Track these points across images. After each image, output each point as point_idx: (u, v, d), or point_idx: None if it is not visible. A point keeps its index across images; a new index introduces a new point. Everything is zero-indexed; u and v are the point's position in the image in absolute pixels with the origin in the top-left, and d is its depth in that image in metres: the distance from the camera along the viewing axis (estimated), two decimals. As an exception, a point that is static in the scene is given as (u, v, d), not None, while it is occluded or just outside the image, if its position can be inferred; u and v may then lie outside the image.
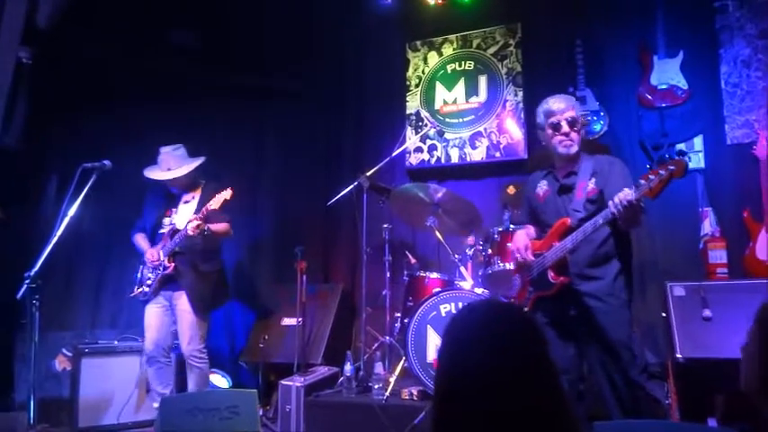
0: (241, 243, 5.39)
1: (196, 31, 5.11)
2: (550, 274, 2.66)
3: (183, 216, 3.88)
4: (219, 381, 4.36)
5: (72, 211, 3.17)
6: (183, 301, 3.79)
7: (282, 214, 5.41)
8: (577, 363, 2.69)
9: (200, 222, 3.67)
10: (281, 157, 5.49)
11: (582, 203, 2.65)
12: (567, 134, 2.70)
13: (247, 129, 5.47)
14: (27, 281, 2.91)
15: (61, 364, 4.26)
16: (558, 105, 2.72)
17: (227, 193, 3.65)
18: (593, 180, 2.69)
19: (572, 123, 2.70)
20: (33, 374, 2.96)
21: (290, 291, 4.48)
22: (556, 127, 2.72)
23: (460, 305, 3.56)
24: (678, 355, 3.36)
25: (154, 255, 3.82)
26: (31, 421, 2.80)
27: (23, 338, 4.01)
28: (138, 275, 3.93)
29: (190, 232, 3.67)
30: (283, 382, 3.86)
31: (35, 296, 2.93)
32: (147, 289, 3.83)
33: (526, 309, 2.74)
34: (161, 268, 3.80)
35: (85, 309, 4.63)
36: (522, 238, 2.82)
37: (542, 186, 2.88)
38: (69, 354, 4.16)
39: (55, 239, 3.08)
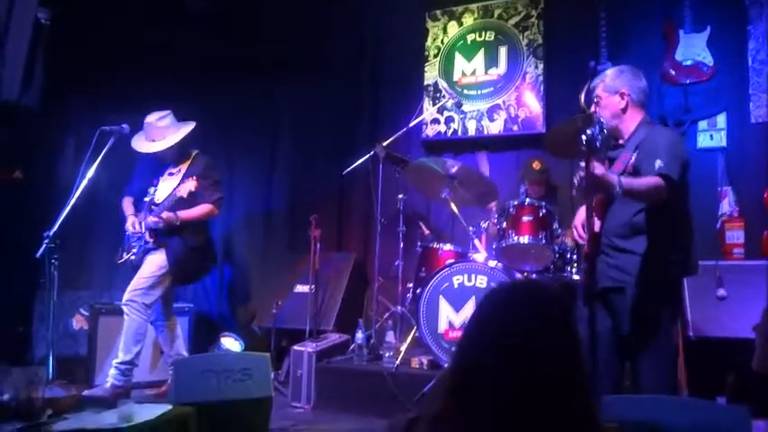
0: (256, 211, 5.44)
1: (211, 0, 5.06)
2: (587, 246, 2.59)
3: (164, 190, 3.82)
4: (232, 344, 4.43)
5: (90, 173, 3.20)
6: (159, 255, 3.73)
7: (298, 183, 5.43)
8: (607, 337, 2.59)
9: (157, 220, 3.64)
10: (298, 127, 5.48)
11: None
12: (594, 112, 2.70)
13: (264, 98, 5.46)
14: (46, 240, 2.96)
15: (78, 323, 4.35)
16: (592, 84, 2.74)
17: (191, 184, 3.57)
18: (636, 154, 2.60)
19: (596, 101, 2.72)
20: (52, 332, 3.03)
21: (304, 258, 4.51)
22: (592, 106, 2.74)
23: (474, 277, 3.62)
24: (690, 334, 3.37)
25: (135, 226, 3.79)
26: (50, 377, 2.87)
27: (42, 297, 4.11)
28: (125, 241, 3.92)
29: (152, 227, 3.68)
30: (295, 347, 3.92)
31: (53, 256, 2.98)
32: (132, 257, 3.82)
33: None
34: (143, 241, 3.78)
35: (102, 269, 4.69)
36: (582, 214, 2.70)
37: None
38: (86, 313, 4.25)
39: (73, 201, 3.12)
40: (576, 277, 3.55)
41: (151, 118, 3.83)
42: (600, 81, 2.71)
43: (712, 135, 4.19)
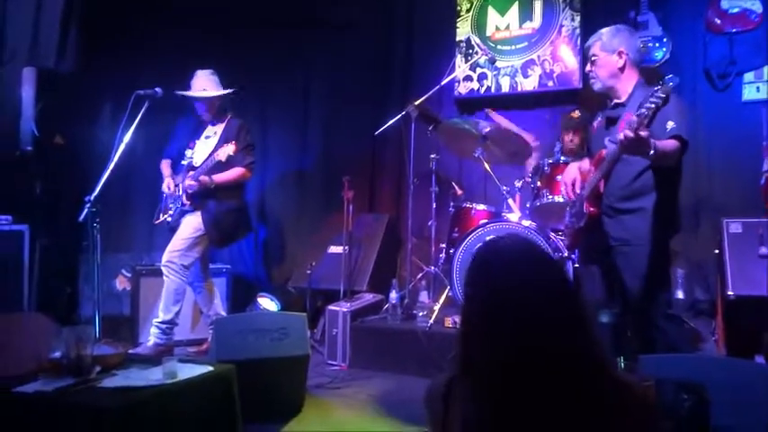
0: (290, 172, 5.47)
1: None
2: (585, 205, 2.65)
3: (201, 153, 3.87)
4: (269, 304, 4.53)
5: (127, 137, 3.25)
6: (195, 217, 3.79)
7: (330, 144, 5.43)
8: (608, 296, 2.68)
9: (194, 183, 3.69)
10: (329, 88, 5.45)
11: None
12: (589, 71, 2.72)
13: (296, 60, 5.43)
14: (88, 204, 3.03)
15: (121, 283, 4.50)
16: (587, 43, 2.75)
17: (230, 148, 3.60)
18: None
19: (592, 60, 2.70)
20: (97, 293, 3.14)
21: (338, 219, 4.54)
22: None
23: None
24: (730, 292, 3.31)
25: (171, 186, 3.86)
26: (97, 335, 2.99)
27: (86, 260, 4.25)
28: (161, 203, 3.99)
29: (189, 191, 3.73)
30: (330, 307, 3.98)
31: (96, 219, 3.05)
32: (169, 219, 3.90)
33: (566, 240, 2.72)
34: (179, 202, 3.85)
35: (142, 232, 4.81)
36: (572, 171, 2.78)
37: (598, 118, 2.86)
38: (128, 274, 4.39)
39: (112, 165, 3.17)
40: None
41: (203, 71, 3.91)
42: (597, 40, 2.69)
43: (759, 87, 4.02)
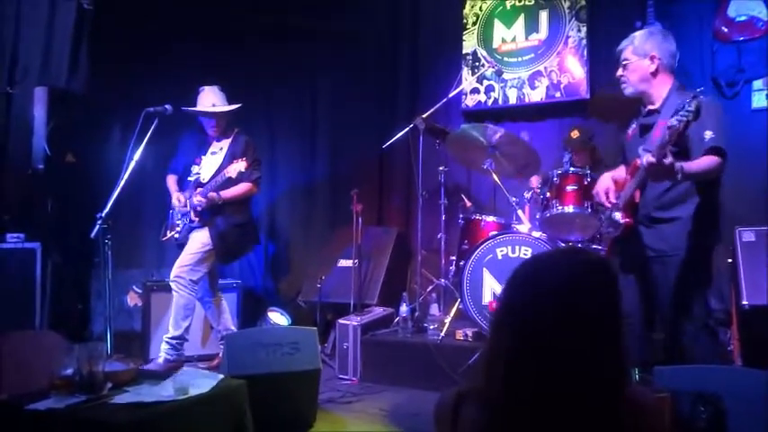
0: (298, 186, 5.49)
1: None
2: (621, 215, 2.58)
3: (208, 168, 3.89)
4: (279, 318, 4.52)
5: (137, 154, 3.27)
6: (203, 232, 3.81)
7: (338, 157, 5.44)
8: (643, 307, 2.58)
9: (202, 200, 3.72)
10: (337, 100, 5.47)
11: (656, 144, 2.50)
12: (620, 76, 2.64)
13: (303, 72, 5.46)
14: (99, 221, 3.05)
15: (132, 300, 4.51)
16: (619, 47, 2.66)
17: (241, 165, 3.62)
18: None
19: (623, 64, 2.62)
20: (109, 310, 3.15)
21: (347, 233, 4.55)
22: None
23: (518, 248, 3.58)
24: (744, 302, 3.27)
25: (181, 200, 3.87)
26: (109, 352, 3.00)
27: (98, 276, 4.27)
28: (168, 220, 4.00)
29: (198, 208, 3.75)
30: (341, 321, 3.97)
31: (107, 236, 3.08)
32: (177, 235, 3.91)
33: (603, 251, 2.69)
34: (188, 218, 3.86)
35: (152, 248, 4.83)
36: (606, 181, 2.69)
37: (632, 125, 2.77)
38: (139, 290, 4.40)
39: (122, 182, 3.20)
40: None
41: (209, 87, 3.94)
42: (628, 44, 2.62)
43: (768, 95, 4.00)
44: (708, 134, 2.31)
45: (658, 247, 2.51)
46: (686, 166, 2.21)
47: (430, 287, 4.28)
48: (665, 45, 2.59)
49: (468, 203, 4.50)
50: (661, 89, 2.58)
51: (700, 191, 2.45)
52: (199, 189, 3.82)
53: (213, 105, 3.90)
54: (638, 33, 2.66)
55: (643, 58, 2.58)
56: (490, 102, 4.95)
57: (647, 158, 2.16)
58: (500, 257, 3.64)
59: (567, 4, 4.68)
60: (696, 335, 2.44)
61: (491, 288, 3.64)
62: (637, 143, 2.62)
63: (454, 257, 4.10)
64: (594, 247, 3.64)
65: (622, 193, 2.60)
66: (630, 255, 2.60)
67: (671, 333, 2.52)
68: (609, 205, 2.64)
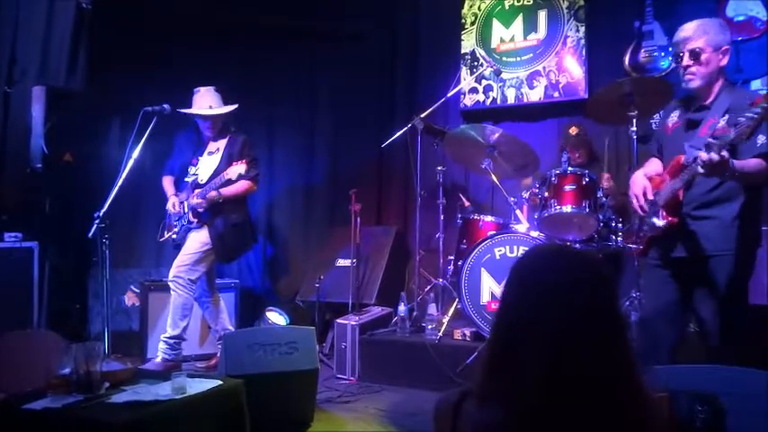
0: (296, 186, 5.48)
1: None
2: (662, 213, 2.47)
3: (206, 168, 3.87)
4: (277, 318, 4.52)
5: (135, 153, 3.27)
6: (202, 232, 3.81)
7: (337, 157, 5.45)
8: (678, 309, 2.51)
9: (201, 201, 3.71)
10: (336, 100, 5.47)
11: (703, 142, 2.36)
12: (687, 67, 2.44)
13: (301, 73, 5.46)
14: (97, 221, 3.05)
15: (130, 299, 4.51)
16: (684, 34, 2.45)
17: (240, 167, 3.60)
18: (726, 118, 2.36)
19: (694, 55, 2.42)
20: (107, 309, 3.14)
21: (345, 232, 4.55)
22: (677, 58, 2.48)
23: (516, 248, 3.58)
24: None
25: (176, 206, 3.87)
26: (106, 351, 2.99)
27: (95, 275, 4.27)
28: (166, 220, 4.00)
29: (198, 209, 3.74)
30: (339, 320, 3.97)
31: (105, 235, 3.07)
32: (174, 236, 3.91)
33: (634, 248, 2.63)
34: (184, 220, 3.86)
35: (150, 248, 4.83)
36: (640, 181, 2.54)
37: (673, 117, 2.62)
38: (137, 290, 4.39)
39: (120, 181, 3.20)
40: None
41: (205, 88, 3.91)
42: (701, 34, 2.41)
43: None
44: (761, 139, 2.24)
45: (699, 245, 2.41)
46: (738, 164, 2.16)
47: (428, 287, 4.28)
48: (729, 38, 2.44)
49: (467, 203, 4.50)
50: (715, 85, 2.46)
51: (741, 193, 2.38)
52: (197, 190, 3.81)
53: (210, 107, 3.87)
54: (707, 21, 2.46)
55: (717, 50, 2.42)
56: (489, 101, 4.95)
57: (710, 157, 2.07)
58: (498, 257, 3.63)
59: (565, 4, 4.68)
60: (726, 335, 2.37)
61: (489, 288, 3.64)
62: (680, 137, 2.52)
63: (452, 257, 4.10)
64: (592, 246, 3.65)
65: (662, 192, 2.48)
66: (669, 253, 2.50)
67: (709, 330, 2.44)
68: (646, 209, 2.51)
